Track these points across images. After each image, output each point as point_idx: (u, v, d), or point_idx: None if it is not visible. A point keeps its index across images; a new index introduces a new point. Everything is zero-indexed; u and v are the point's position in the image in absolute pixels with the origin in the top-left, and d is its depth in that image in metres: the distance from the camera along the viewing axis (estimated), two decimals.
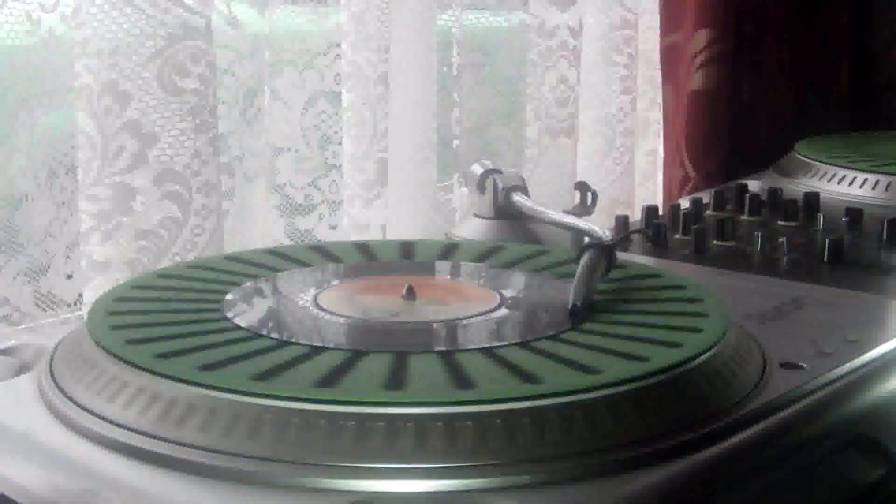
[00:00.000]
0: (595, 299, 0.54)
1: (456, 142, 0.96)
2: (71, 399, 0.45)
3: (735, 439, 0.44)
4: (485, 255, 0.63)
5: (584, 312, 0.52)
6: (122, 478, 0.40)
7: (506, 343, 0.48)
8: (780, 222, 0.83)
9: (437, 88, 0.92)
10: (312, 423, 0.40)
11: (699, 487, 0.42)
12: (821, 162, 0.97)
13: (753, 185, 0.93)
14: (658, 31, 1.15)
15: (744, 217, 0.85)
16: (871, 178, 0.92)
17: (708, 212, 0.86)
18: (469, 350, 0.47)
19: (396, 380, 0.43)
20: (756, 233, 0.76)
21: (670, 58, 1.15)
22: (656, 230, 0.78)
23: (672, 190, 1.15)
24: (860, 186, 0.92)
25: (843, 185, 0.93)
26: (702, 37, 1.12)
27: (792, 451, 0.46)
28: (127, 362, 0.45)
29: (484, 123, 1.00)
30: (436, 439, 0.40)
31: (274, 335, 0.49)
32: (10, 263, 0.68)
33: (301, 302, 0.54)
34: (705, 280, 0.64)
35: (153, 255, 0.72)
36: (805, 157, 1.00)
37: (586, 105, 1.10)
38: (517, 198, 0.73)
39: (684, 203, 0.86)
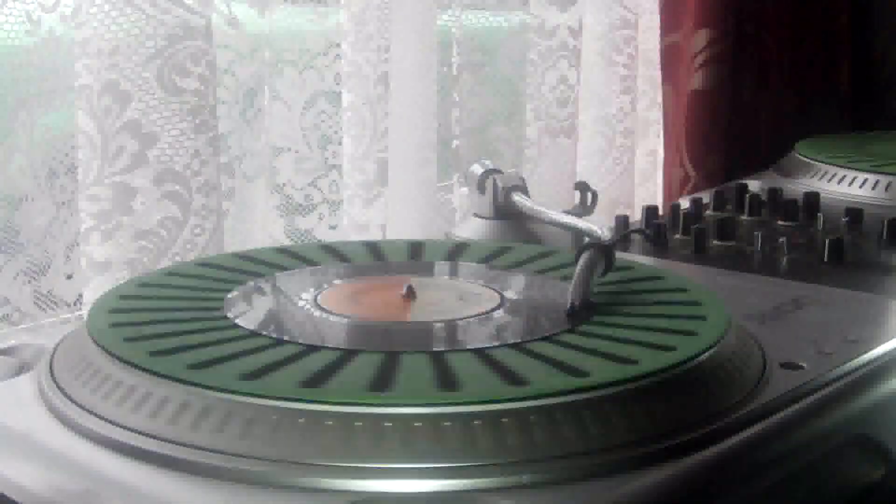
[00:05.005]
0: (596, 300, 0.54)
1: (456, 142, 0.96)
2: (71, 399, 0.45)
3: (735, 439, 0.44)
4: (492, 255, 0.63)
5: (581, 312, 0.52)
6: (122, 478, 0.40)
7: (501, 344, 0.48)
8: (780, 222, 0.83)
9: (437, 88, 0.92)
10: (300, 423, 0.40)
11: (699, 487, 0.42)
12: (821, 162, 0.97)
13: (753, 185, 0.93)
14: (658, 31, 1.15)
15: (744, 217, 0.85)
16: (871, 178, 0.92)
17: (708, 212, 0.86)
18: (462, 350, 0.47)
19: (385, 380, 0.43)
20: (756, 233, 0.76)
21: (670, 58, 1.15)
22: (656, 230, 0.78)
23: (672, 190, 1.16)
24: (860, 186, 0.92)
25: (843, 185, 0.93)
26: (702, 37, 1.12)
27: (792, 451, 0.46)
28: (122, 360, 0.45)
29: (484, 123, 1.00)
30: (435, 439, 0.40)
31: (269, 334, 0.49)
32: (10, 263, 0.68)
33: (301, 301, 0.54)
34: (705, 280, 0.64)
35: (153, 255, 0.72)
36: (805, 157, 1.00)
37: (586, 105, 1.10)
38: (517, 198, 0.73)
39: (684, 203, 0.86)
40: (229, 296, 0.54)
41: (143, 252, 0.72)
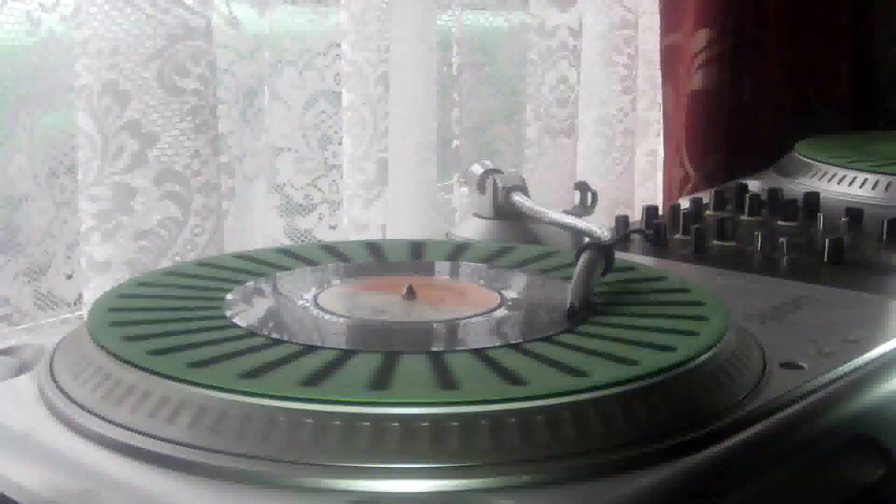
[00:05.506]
0: (596, 300, 0.54)
1: (456, 142, 0.96)
2: (71, 399, 0.45)
3: (735, 439, 0.44)
4: (494, 256, 0.63)
5: (581, 313, 0.52)
6: (121, 478, 0.40)
7: (501, 344, 0.48)
8: (780, 222, 0.83)
9: (437, 88, 0.92)
10: (301, 423, 0.40)
11: (699, 487, 0.42)
12: (821, 162, 0.97)
13: (753, 185, 0.93)
14: (658, 31, 1.15)
15: (744, 217, 0.85)
16: (871, 178, 0.92)
17: (708, 212, 0.86)
18: (461, 351, 0.47)
19: (384, 380, 0.43)
20: (756, 233, 0.76)
21: (670, 58, 1.15)
22: (656, 230, 0.78)
23: (672, 190, 1.16)
24: (860, 186, 0.92)
25: (843, 185, 0.93)
26: (702, 37, 1.12)
27: (792, 451, 0.46)
28: (121, 359, 0.45)
29: (484, 123, 1.00)
30: (435, 440, 0.40)
31: (268, 333, 0.48)
32: (10, 263, 0.68)
33: (301, 301, 0.54)
34: (705, 280, 0.64)
35: (153, 255, 0.72)
36: (805, 157, 1.00)
37: (586, 105, 1.10)
38: (517, 198, 0.73)
39: (684, 203, 0.86)
40: (229, 296, 0.54)
41: (143, 252, 0.72)
